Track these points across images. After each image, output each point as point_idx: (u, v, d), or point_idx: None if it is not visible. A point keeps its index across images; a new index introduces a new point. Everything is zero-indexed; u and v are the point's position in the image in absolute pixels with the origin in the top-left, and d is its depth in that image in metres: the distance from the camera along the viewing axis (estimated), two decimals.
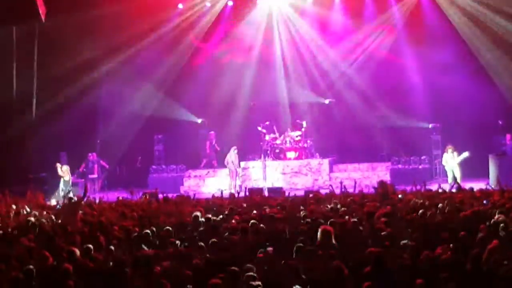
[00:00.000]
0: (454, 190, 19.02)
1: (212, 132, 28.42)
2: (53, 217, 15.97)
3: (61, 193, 23.86)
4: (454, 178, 22.72)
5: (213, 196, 20.84)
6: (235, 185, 25.96)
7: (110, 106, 28.35)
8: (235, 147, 26.54)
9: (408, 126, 26.80)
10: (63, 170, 25.04)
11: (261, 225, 13.32)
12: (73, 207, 16.21)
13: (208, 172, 28.06)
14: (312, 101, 28.57)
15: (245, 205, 17.42)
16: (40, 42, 26.26)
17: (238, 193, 21.38)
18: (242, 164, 27.21)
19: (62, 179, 24.96)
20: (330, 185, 22.02)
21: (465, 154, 23.62)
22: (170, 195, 20.70)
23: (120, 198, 20.66)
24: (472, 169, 24.74)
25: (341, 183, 21.06)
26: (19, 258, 11.14)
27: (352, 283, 9.17)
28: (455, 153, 24.00)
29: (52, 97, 26.71)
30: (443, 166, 24.48)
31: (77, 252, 10.99)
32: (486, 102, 25.35)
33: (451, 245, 10.49)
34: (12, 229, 14.50)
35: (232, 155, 26.43)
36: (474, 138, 25.55)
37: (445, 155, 24.26)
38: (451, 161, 23.97)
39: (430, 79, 26.52)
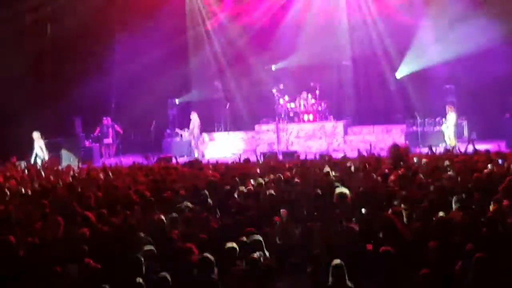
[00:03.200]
0: (469, 151, 18.92)
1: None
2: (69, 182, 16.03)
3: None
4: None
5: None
6: (201, 153, 25.99)
7: (124, 70, 28.25)
8: (194, 112, 26.71)
9: (422, 88, 26.57)
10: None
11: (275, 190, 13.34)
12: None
13: (223, 136, 28.05)
14: (326, 64, 28.34)
15: (259, 170, 17.40)
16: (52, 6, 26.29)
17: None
18: (256, 127, 27.20)
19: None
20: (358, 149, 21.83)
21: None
22: (183, 160, 20.73)
23: (136, 163, 20.70)
24: (488, 130, 24.62)
25: (358, 150, 20.90)
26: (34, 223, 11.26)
27: (366, 245, 9.19)
28: (452, 114, 23.93)
29: (64, 62, 26.71)
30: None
31: (92, 217, 11.06)
32: (502, 63, 25.05)
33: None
34: (28, 194, 14.60)
35: (196, 121, 26.55)
36: (489, 99, 25.37)
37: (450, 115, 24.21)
38: (447, 122, 24.03)
39: (445, 39, 26.20)
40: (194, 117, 26.70)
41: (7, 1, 25.25)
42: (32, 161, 23.30)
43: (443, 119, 24.43)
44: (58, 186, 15.51)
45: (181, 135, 26.80)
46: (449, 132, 23.84)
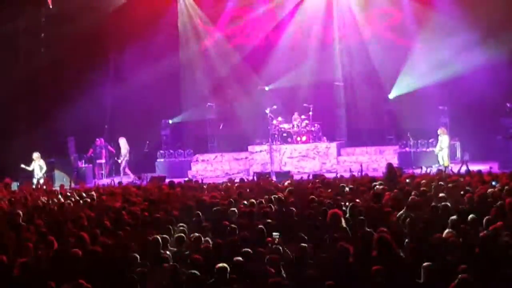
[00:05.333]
0: (462, 171, 19.00)
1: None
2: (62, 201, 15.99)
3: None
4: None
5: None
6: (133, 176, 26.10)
7: (117, 91, 28.29)
8: (123, 137, 27.22)
9: (416, 109, 26.65)
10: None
11: (270, 209, 13.35)
12: None
13: (216, 156, 28.08)
14: (319, 84, 28.43)
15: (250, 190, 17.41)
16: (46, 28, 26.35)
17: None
18: (250, 148, 27.23)
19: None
20: (350, 168, 21.85)
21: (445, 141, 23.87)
22: (177, 180, 20.71)
23: (125, 183, 20.73)
24: (481, 151, 24.72)
25: (350, 169, 20.99)
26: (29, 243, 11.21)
27: (360, 266, 9.17)
28: (445, 136, 24.05)
29: (58, 83, 26.73)
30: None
31: (86, 237, 11.03)
32: (494, 85, 25.18)
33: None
34: (22, 214, 14.54)
35: (126, 145, 27.10)
36: (482, 121, 25.53)
37: (439, 138, 24.32)
38: (439, 145, 24.13)
39: (438, 61, 26.34)
40: (123, 142, 27.23)
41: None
42: (35, 181, 23.41)
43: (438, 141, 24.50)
44: (50, 206, 15.46)
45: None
46: (443, 154, 23.90)
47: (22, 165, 24.16)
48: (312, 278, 8.60)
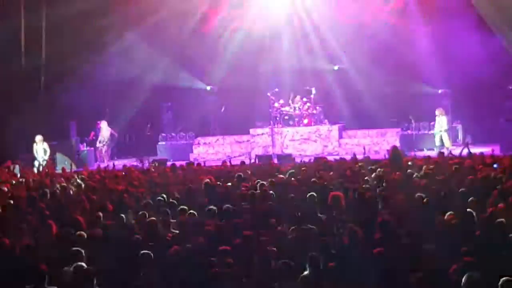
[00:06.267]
0: (464, 154, 19.00)
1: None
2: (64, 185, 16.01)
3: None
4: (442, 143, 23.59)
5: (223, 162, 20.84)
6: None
7: (119, 74, 28.22)
8: (104, 121, 27.04)
9: (417, 92, 26.61)
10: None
11: (271, 191, 13.36)
12: None
13: (217, 139, 28.07)
14: (321, 67, 28.38)
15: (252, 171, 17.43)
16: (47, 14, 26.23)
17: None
18: (251, 131, 27.22)
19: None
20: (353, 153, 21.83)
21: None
22: (179, 163, 20.73)
23: (128, 165, 20.73)
24: (483, 134, 24.71)
25: (354, 153, 20.94)
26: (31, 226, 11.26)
27: (363, 248, 9.20)
28: (443, 117, 24.07)
29: (60, 67, 26.64)
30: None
31: (82, 221, 11.05)
32: (496, 67, 25.12)
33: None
34: (24, 197, 14.58)
35: (108, 129, 26.99)
36: (484, 103, 25.48)
37: (436, 119, 24.35)
38: (438, 126, 24.16)
39: (440, 44, 26.27)
40: (104, 126, 27.04)
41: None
42: (37, 164, 23.50)
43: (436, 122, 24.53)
44: (54, 189, 15.48)
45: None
46: (443, 135, 23.94)
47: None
48: (315, 260, 8.62)
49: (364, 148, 21.88)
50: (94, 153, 27.37)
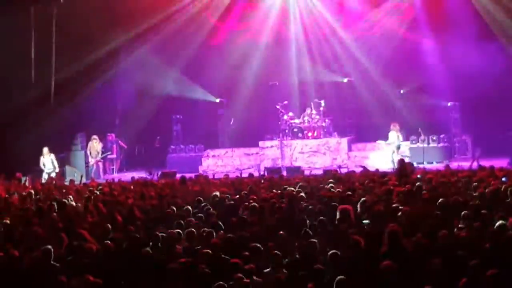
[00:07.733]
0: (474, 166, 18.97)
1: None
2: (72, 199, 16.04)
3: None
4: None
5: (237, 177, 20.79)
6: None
7: (128, 86, 28.33)
8: (96, 136, 26.81)
9: (427, 105, 26.60)
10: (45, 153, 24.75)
11: (280, 204, 13.34)
12: None
13: (227, 152, 28.10)
14: (330, 80, 28.43)
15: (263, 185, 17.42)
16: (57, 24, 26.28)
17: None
18: (260, 143, 27.24)
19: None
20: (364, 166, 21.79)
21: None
22: (188, 175, 20.74)
23: (136, 177, 20.76)
24: (493, 147, 24.64)
25: (364, 166, 20.91)
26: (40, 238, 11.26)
27: (370, 261, 9.16)
28: (399, 134, 24.12)
29: (70, 78, 26.72)
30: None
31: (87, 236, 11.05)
32: (505, 80, 25.11)
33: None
34: (32, 210, 14.60)
35: (99, 145, 26.78)
36: (493, 116, 25.43)
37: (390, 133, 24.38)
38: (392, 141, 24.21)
39: (449, 56, 26.26)
40: (95, 141, 26.83)
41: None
42: (46, 176, 23.55)
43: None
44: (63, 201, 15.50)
45: None
46: (391, 150, 23.97)
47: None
48: (320, 273, 8.60)
49: (364, 167, 21.75)
50: (103, 165, 27.41)
